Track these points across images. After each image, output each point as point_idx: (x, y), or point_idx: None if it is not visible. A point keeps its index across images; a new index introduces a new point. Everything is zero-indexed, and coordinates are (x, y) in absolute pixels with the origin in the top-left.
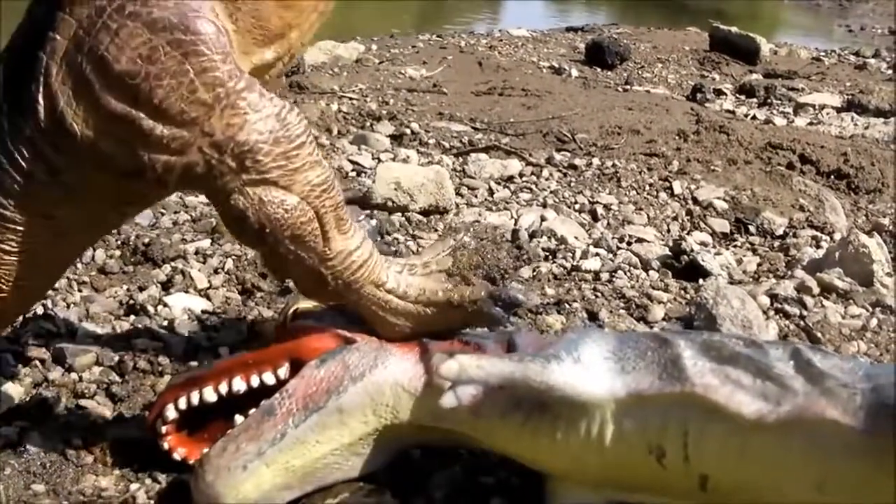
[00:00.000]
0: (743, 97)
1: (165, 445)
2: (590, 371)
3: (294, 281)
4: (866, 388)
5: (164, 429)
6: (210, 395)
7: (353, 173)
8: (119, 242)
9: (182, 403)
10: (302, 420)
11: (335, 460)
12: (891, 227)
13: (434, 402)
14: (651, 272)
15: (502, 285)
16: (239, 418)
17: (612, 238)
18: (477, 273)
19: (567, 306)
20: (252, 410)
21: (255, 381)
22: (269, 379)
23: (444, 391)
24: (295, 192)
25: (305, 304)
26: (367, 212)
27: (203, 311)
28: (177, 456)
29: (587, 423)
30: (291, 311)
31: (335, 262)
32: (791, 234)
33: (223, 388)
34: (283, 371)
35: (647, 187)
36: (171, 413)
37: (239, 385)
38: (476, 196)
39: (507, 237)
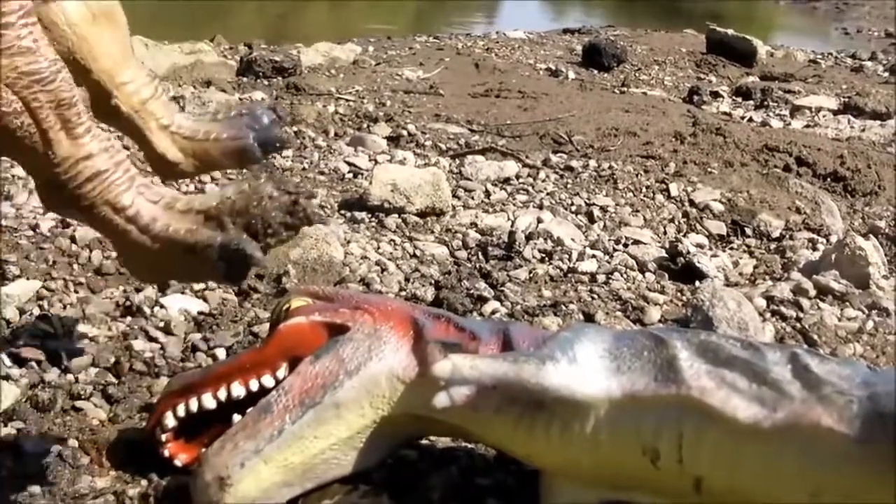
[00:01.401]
0: (739, 99)
1: (166, 453)
2: (585, 371)
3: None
4: (863, 395)
5: (163, 437)
6: (209, 401)
7: (350, 175)
8: None
9: (181, 411)
10: (299, 416)
11: (334, 455)
12: (887, 230)
13: (429, 393)
14: (647, 274)
15: (247, 238)
16: (237, 418)
17: (609, 240)
18: (237, 221)
19: (563, 308)
20: (249, 409)
21: (254, 386)
22: (269, 382)
23: (438, 391)
24: None
25: (298, 301)
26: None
27: (199, 313)
28: (178, 463)
29: (582, 423)
30: (284, 308)
31: (60, 169)
32: (787, 236)
33: (222, 395)
34: (282, 372)
35: (644, 189)
36: (170, 421)
37: (238, 391)
38: (473, 198)
39: (504, 238)
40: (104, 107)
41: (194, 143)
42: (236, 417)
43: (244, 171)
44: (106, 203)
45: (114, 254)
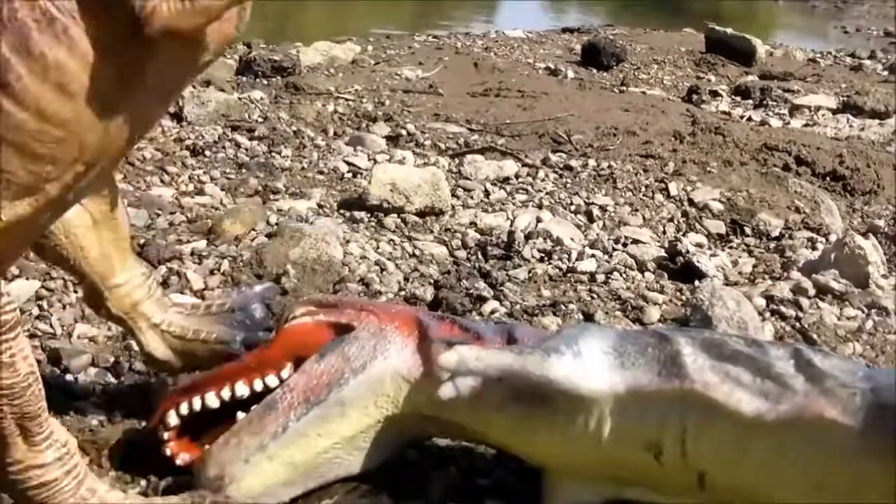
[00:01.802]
0: (739, 99)
1: (167, 452)
2: (589, 366)
3: None
4: (866, 388)
5: (166, 435)
6: (212, 400)
7: (349, 174)
8: None
9: (184, 409)
10: (303, 414)
11: (337, 454)
12: (886, 229)
13: (433, 392)
14: (647, 273)
15: None
16: (241, 416)
17: (608, 239)
18: None
19: (563, 308)
20: (254, 406)
21: (258, 386)
22: (273, 381)
23: (443, 382)
24: None
25: (302, 308)
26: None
27: None
28: (179, 462)
29: (585, 418)
30: (290, 314)
31: (11, 469)
32: (787, 235)
33: (226, 394)
34: (287, 372)
35: (643, 188)
36: (172, 419)
37: (242, 390)
38: (472, 197)
39: (503, 237)
40: (97, 302)
41: (184, 342)
42: (241, 416)
43: None
44: None
45: None
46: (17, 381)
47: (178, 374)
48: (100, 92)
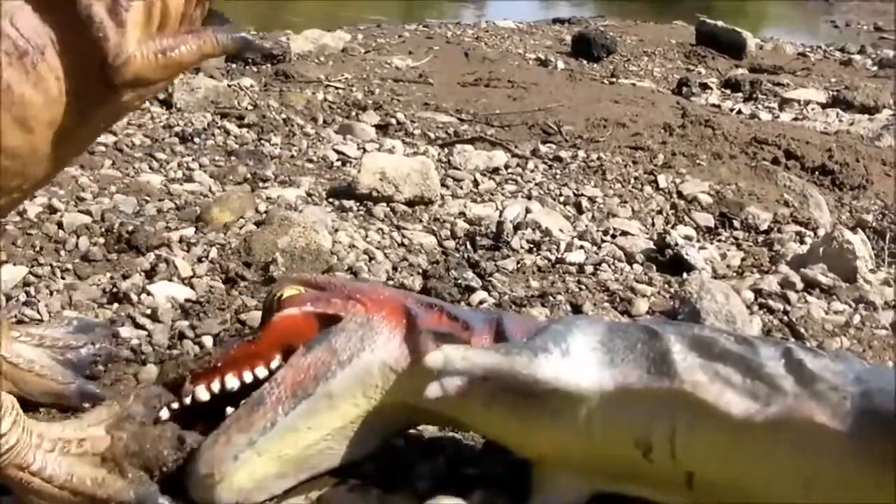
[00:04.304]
0: (728, 92)
1: None
2: (578, 363)
3: None
4: (856, 392)
5: None
6: (202, 393)
7: (339, 163)
8: (103, 230)
9: (175, 404)
10: (292, 408)
11: (328, 445)
12: (874, 224)
13: (422, 383)
14: (635, 265)
15: (154, 486)
16: (230, 410)
17: (597, 231)
18: (133, 462)
19: (551, 299)
20: (243, 402)
21: (247, 378)
22: (262, 373)
23: (430, 380)
24: None
25: (290, 290)
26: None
27: (187, 300)
28: None
29: (574, 415)
30: (277, 297)
31: None
32: (775, 229)
33: (216, 387)
34: (276, 363)
35: (633, 180)
36: (164, 414)
37: (232, 383)
38: (461, 187)
39: (493, 228)
40: None
41: (15, 370)
42: (230, 410)
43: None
44: (13, 466)
45: (101, 240)
46: None
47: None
48: (59, 129)
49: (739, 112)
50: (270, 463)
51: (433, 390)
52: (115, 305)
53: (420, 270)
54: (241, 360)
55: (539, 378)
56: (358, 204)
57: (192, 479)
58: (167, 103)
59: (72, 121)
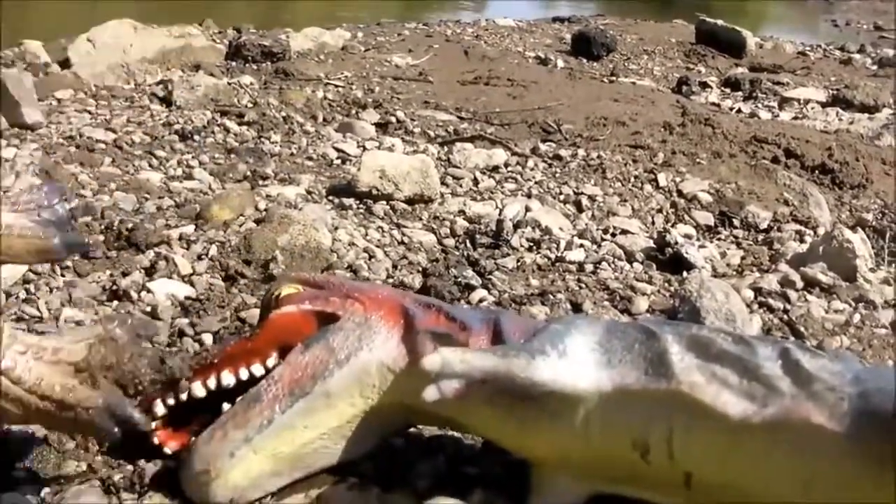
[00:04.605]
0: (728, 90)
1: (155, 440)
2: (575, 364)
3: None
4: (854, 392)
5: (153, 424)
6: (199, 390)
7: (338, 161)
8: (102, 227)
9: (170, 399)
10: (289, 406)
11: (324, 444)
12: (874, 223)
13: (419, 383)
14: (635, 264)
15: (126, 399)
16: (227, 407)
17: (597, 229)
18: (109, 375)
19: (551, 297)
20: (239, 398)
21: (244, 375)
22: (259, 371)
23: (428, 381)
24: None
25: (289, 288)
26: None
27: (186, 298)
28: (167, 450)
29: (572, 416)
30: (275, 296)
31: None
32: (775, 228)
33: (212, 383)
34: (272, 361)
35: (632, 179)
36: (159, 409)
37: (228, 379)
38: (461, 185)
39: (492, 226)
40: None
41: None
42: (226, 406)
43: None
44: None
45: (101, 238)
46: None
47: None
48: None
49: (739, 111)
50: (266, 461)
51: (431, 393)
52: (115, 303)
53: (420, 269)
54: (238, 357)
55: (537, 380)
56: (358, 202)
57: (186, 475)
58: (167, 101)
59: None
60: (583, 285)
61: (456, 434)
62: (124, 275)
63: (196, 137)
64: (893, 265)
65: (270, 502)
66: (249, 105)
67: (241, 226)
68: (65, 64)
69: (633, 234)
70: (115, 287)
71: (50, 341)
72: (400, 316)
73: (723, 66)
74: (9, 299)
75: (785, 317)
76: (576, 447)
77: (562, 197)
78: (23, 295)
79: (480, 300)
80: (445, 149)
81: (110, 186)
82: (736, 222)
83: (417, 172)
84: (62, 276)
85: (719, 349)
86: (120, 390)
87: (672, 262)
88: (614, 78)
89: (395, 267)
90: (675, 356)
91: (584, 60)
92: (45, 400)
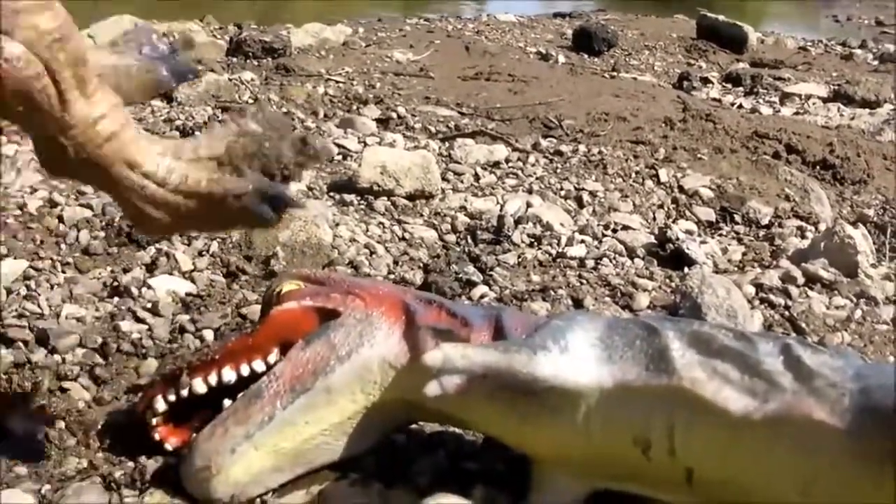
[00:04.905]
0: (729, 86)
1: (156, 437)
2: (576, 360)
3: (36, 150)
4: (855, 389)
5: (154, 420)
6: (200, 386)
7: (339, 157)
8: (103, 224)
9: (171, 395)
10: (290, 402)
11: (325, 440)
12: (876, 219)
13: (421, 379)
14: (636, 260)
15: (277, 180)
16: (228, 403)
17: (598, 225)
18: (253, 164)
19: (552, 293)
20: (240, 395)
21: (245, 371)
22: (260, 367)
23: (429, 377)
24: (18, 39)
25: (290, 284)
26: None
27: (187, 294)
28: (168, 446)
29: (573, 412)
30: (276, 292)
31: (76, 131)
32: (776, 223)
33: (213, 379)
34: (273, 357)
35: (634, 175)
36: (160, 405)
37: (229, 376)
38: (462, 181)
39: (493, 222)
40: None
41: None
42: (227, 402)
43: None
44: (122, 161)
45: (101, 234)
46: (65, 23)
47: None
48: None
49: (740, 106)
50: (267, 457)
51: (432, 389)
52: (116, 299)
53: (421, 264)
54: (239, 354)
55: (538, 376)
56: (359, 198)
57: (187, 471)
58: (168, 97)
59: None
60: (584, 281)
61: (457, 430)
62: (125, 271)
63: (197, 133)
64: (895, 261)
65: (272, 498)
66: (250, 101)
67: None
68: None
69: (634, 229)
70: (115, 283)
71: (186, 142)
72: (401, 312)
73: (724, 62)
74: (10, 296)
75: (786, 313)
76: (577, 443)
77: (563, 193)
78: (23, 291)
79: (482, 296)
80: (446, 144)
81: None
82: (737, 218)
83: (418, 168)
84: (63, 272)
85: (720, 345)
86: (266, 176)
87: (673, 258)
88: (615, 73)
89: (396, 263)
90: (676, 352)
91: (586, 56)
92: (193, 198)
